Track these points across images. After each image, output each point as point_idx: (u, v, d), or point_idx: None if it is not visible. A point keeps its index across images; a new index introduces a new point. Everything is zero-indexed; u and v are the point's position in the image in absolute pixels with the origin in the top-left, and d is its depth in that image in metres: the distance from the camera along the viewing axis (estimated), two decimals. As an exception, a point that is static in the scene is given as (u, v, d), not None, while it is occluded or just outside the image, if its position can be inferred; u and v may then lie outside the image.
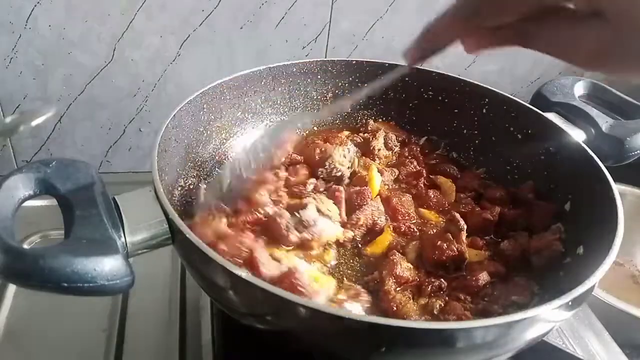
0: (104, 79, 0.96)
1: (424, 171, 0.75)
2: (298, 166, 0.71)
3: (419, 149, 0.80)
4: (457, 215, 0.62)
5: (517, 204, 0.70)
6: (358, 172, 0.73)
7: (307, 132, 0.82)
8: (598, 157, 0.63)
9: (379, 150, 0.77)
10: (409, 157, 0.78)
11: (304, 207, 0.61)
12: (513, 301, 0.56)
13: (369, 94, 0.63)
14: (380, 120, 0.84)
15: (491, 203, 0.70)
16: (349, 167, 0.72)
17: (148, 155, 0.89)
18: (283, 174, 0.69)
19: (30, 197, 0.48)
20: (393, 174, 0.74)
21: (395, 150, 0.79)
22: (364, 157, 0.76)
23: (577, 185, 0.65)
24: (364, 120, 0.85)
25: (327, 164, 0.70)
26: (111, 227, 0.46)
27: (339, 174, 0.71)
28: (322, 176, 0.71)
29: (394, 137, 0.80)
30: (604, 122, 0.72)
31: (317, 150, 0.72)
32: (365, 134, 0.80)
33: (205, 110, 0.69)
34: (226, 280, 0.45)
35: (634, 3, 0.35)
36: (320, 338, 0.46)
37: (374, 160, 0.76)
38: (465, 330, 0.41)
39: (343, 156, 0.72)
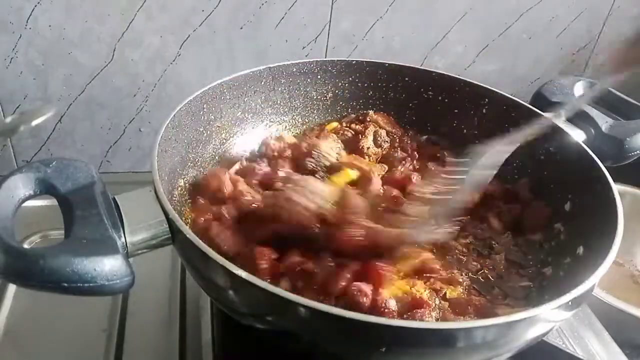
0: (104, 79, 0.96)
1: (415, 153, 0.77)
2: (280, 160, 0.71)
3: (409, 142, 0.80)
4: None
5: (517, 203, 0.70)
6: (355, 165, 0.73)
7: (305, 131, 0.82)
8: (598, 157, 0.63)
9: (368, 148, 0.78)
10: (399, 150, 0.78)
11: None
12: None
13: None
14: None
15: (488, 199, 0.70)
16: (337, 159, 0.73)
17: (148, 155, 0.89)
18: (266, 167, 0.69)
19: (30, 197, 0.48)
20: (383, 169, 0.75)
21: (384, 147, 0.79)
22: (353, 155, 0.76)
23: (577, 185, 0.65)
24: (365, 111, 0.84)
25: (314, 152, 0.71)
26: (111, 227, 0.46)
27: (327, 163, 0.71)
28: (310, 167, 0.70)
29: (383, 132, 0.80)
30: (604, 122, 0.72)
31: (305, 144, 0.73)
32: (357, 126, 0.80)
33: (205, 110, 0.69)
34: (226, 280, 0.45)
35: None
36: (320, 338, 0.46)
37: (363, 158, 0.76)
38: (465, 330, 0.41)
39: (331, 148, 0.73)
